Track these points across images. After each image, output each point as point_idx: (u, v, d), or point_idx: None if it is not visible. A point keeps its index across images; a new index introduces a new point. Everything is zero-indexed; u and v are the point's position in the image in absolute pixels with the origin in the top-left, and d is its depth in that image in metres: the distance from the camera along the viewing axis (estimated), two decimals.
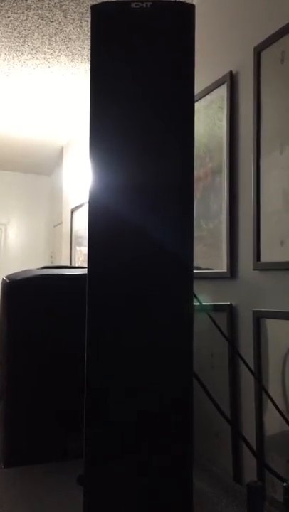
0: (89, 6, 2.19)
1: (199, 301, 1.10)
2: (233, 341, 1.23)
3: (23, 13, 2.26)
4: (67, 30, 2.42)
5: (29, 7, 2.21)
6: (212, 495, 0.97)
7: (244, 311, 1.20)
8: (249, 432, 1.16)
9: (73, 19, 2.31)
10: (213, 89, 1.37)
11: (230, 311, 1.24)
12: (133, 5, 0.74)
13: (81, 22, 2.34)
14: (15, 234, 5.76)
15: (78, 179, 4.02)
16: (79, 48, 2.63)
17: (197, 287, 1.47)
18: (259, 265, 1.15)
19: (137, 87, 0.74)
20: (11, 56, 2.74)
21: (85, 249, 3.98)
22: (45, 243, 5.77)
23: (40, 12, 2.25)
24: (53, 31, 2.44)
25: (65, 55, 2.72)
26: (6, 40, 2.54)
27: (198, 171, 1.43)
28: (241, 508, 0.90)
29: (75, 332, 1.23)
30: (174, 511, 0.73)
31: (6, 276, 1.25)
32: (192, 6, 0.75)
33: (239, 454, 1.19)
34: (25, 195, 5.76)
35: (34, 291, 1.22)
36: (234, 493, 0.97)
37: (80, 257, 3.96)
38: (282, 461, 1.04)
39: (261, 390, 1.10)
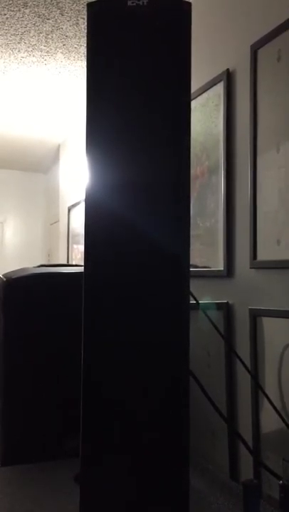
0: (85, 3, 2.18)
1: (196, 300, 1.10)
2: (230, 340, 1.23)
3: (19, 10, 2.25)
4: (64, 27, 2.41)
5: (25, 4, 2.21)
6: (208, 493, 0.97)
7: (241, 310, 1.20)
8: (245, 430, 1.16)
9: (70, 16, 2.31)
10: (210, 88, 1.37)
11: (227, 310, 1.24)
12: (129, 3, 0.73)
13: (78, 19, 2.34)
14: (12, 232, 5.75)
15: (75, 177, 4.01)
16: (76, 46, 2.62)
17: (194, 285, 1.47)
18: (256, 264, 1.15)
19: (133, 84, 0.74)
20: (7, 54, 2.73)
21: (82, 247, 3.97)
22: (42, 241, 5.75)
23: (36, 9, 2.25)
24: (50, 29, 2.43)
25: (62, 53, 2.71)
26: (2, 37, 2.53)
27: (194, 170, 1.43)
28: (237, 506, 0.90)
29: (72, 330, 1.23)
30: (170, 509, 0.73)
31: (2, 275, 1.25)
32: (189, 4, 0.75)
33: (235, 452, 1.19)
34: (22, 193, 5.74)
35: (31, 289, 1.22)
36: (230, 491, 0.97)
37: (77, 255, 3.96)
38: (278, 459, 1.04)
39: (257, 388, 1.10)
